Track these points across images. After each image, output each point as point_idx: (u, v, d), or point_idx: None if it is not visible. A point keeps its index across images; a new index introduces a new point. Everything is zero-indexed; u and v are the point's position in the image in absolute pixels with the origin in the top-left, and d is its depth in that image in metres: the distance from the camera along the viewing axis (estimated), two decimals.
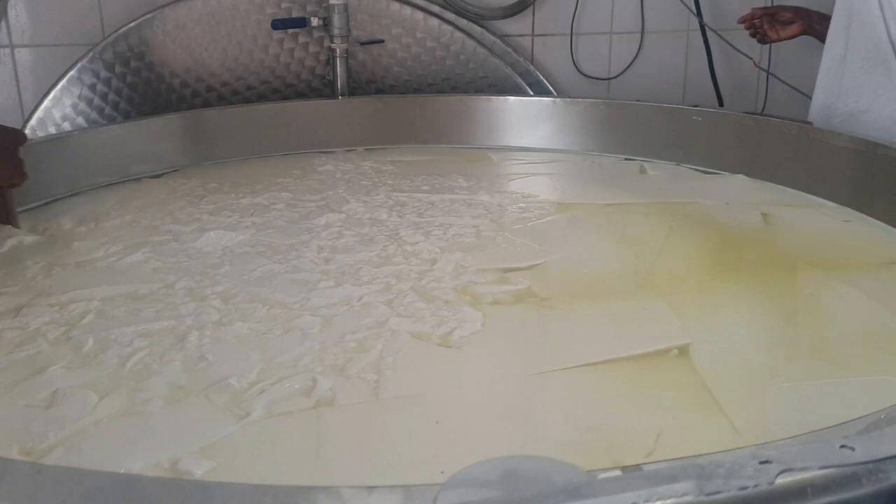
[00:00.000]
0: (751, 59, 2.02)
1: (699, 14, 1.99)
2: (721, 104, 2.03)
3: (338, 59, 1.75)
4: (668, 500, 0.35)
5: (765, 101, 2.13)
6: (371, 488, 0.45)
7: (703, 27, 2.00)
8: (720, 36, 2.02)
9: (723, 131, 1.45)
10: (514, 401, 0.76)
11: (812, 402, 0.76)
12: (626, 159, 1.56)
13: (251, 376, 0.78)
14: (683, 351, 0.84)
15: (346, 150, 1.63)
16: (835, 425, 0.46)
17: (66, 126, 1.77)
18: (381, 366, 0.80)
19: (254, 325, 0.88)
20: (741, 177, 1.40)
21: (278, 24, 1.72)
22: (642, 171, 1.51)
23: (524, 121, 1.62)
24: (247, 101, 1.86)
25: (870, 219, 1.19)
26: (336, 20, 1.70)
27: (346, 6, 1.70)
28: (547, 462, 0.38)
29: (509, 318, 0.92)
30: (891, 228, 1.16)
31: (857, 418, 0.48)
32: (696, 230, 1.20)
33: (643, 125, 1.55)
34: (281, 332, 0.86)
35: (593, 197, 1.36)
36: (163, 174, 1.47)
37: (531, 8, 1.98)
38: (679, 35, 2.07)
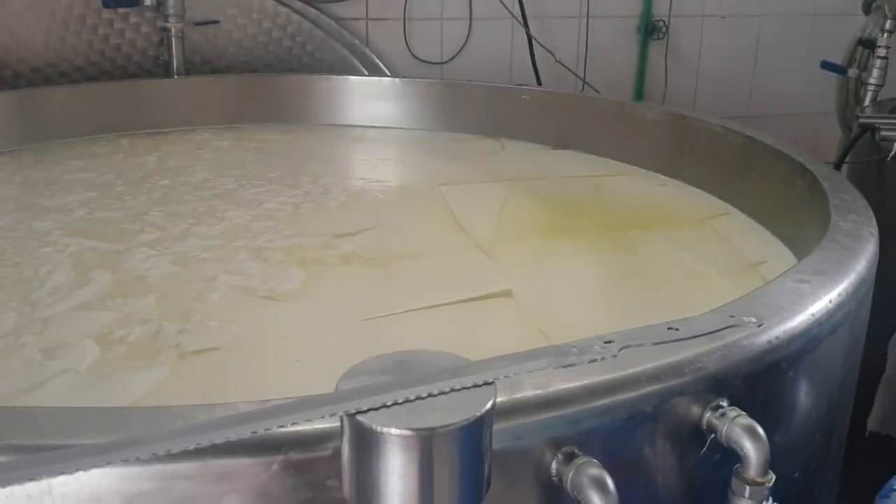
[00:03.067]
0: (552, 54, 2.16)
1: (521, 5, 2.11)
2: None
3: (173, 39, 1.73)
4: (532, 372, 0.41)
5: (583, 87, 2.28)
6: (265, 401, 0.50)
7: (524, 17, 2.12)
8: (531, 34, 2.14)
9: (550, 109, 1.57)
10: (347, 343, 0.82)
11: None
12: (462, 136, 1.64)
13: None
14: (507, 295, 0.93)
15: (184, 131, 1.63)
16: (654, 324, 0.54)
17: None
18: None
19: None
20: (569, 151, 1.52)
21: (110, 3, 1.68)
22: (472, 146, 1.60)
23: (365, 100, 1.67)
24: (74, 82, 1.80)
25: (680, 182, 1.33)
26: None
27: None
28: (430, 353, 0.44)
29: (335, 276, 0.97)
30: (698, 190, 1.30)
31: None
32: (531, 200, 1.29)
33: (477, 104, 1.64)
34: None
35: (428, 173, 1.44)
36: None
37: None
38: (505, 22, 2.18)
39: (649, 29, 2.22)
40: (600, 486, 0.48)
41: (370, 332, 0.84)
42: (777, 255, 1.05)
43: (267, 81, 1.72)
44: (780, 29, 2.38)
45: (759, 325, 0.54)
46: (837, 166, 2.23)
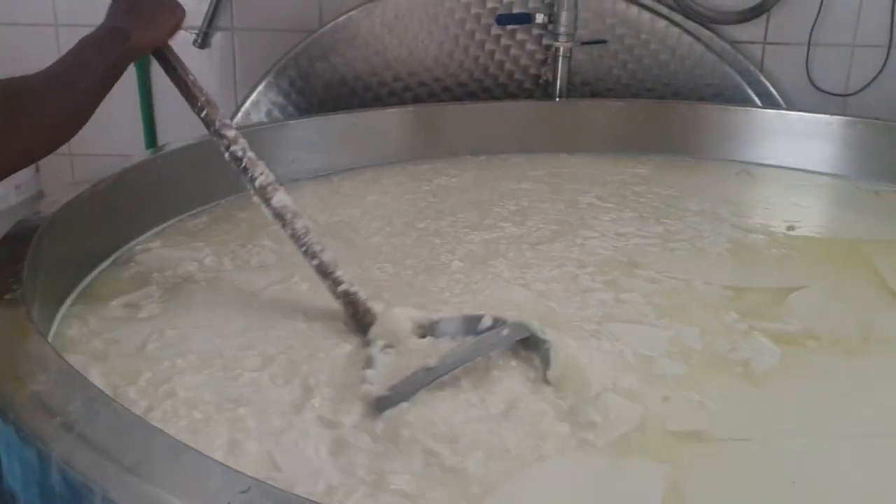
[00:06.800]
0: None
1: None
2: None
3: (560, 59, 1.66)
4: None
5: None
6: None
7: None
8: None
9: None
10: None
11: None
12: (888, 187, 1.38)
13: None
14: None
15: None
16: None
17: (276, 113, 1.77)
18: None
19: None
20: None
21: (503, 20, 1.65)
22: None
23: (769, 136, 1.48)
24: (456, 98, 1.80)
25: None
26: (563, 17, 1.61)
27: (575, 2, 1.61)
28: None
29: (803, 358, 0.82)
30: None
31: None
32: None
33: None
34: None
35: (847, 228, 1.23)
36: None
37: (766, 13, 1.83)
38: None
39: None
40: None
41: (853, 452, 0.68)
42: None
43: (664, 108, 1.59)
44: None
45: None
46: None
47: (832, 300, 0.97)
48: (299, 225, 0.86)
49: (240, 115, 1.79)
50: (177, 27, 0.91)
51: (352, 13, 1.77)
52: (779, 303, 0.95)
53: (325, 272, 0.85)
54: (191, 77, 0.91)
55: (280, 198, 0.87)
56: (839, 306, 0.95)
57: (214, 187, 1.19)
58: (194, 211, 1.19)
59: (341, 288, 0.85)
